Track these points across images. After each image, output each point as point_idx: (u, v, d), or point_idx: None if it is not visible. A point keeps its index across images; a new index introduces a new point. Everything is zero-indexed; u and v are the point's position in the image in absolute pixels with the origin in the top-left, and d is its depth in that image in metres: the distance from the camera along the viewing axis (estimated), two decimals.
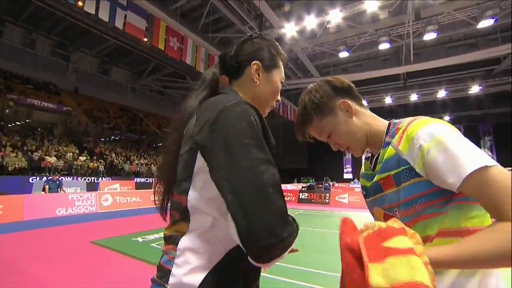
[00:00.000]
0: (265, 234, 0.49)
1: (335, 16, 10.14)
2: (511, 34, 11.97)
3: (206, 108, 0.63)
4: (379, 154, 0.70)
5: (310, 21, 10.45)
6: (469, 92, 17.02)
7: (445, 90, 17.12)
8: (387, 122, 0.73)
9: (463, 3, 9.65)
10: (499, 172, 0.50)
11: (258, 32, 0.76)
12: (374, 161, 0.74)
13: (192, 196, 0.60)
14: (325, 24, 10.75)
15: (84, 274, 3.26)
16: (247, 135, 0.55)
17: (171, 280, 0.58)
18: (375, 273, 0.41)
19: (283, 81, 0.81)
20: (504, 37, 12.18)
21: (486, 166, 0.50)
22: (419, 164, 0.57)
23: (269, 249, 0.50)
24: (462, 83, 16.58)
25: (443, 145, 0.54)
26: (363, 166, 0.84)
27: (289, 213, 0.56)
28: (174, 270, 0.59)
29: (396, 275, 0.40)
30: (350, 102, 0.74)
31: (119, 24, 8.84)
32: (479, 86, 16.28)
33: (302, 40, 12.21)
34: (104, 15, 8.47)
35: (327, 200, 11.77)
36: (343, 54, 12.43)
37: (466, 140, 0.55)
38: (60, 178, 8.04)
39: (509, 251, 0.44)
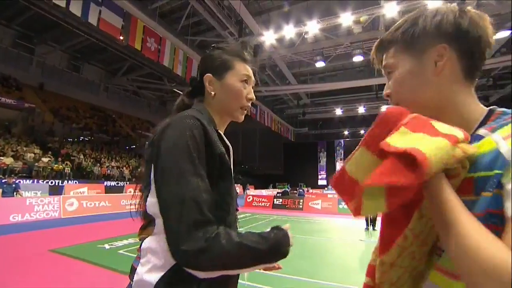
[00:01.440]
0: (180, 241, 0.56)
1: (313, 27, 10.55)
2: None
3: (160, 124, 0.70)
4: None
5: (289, 31, 10.76)
6: None
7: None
8: (486, 108, 0.49)
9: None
10: None
11: (213, 45, 0.82)
12: None
13: (149, 202, 0.66)
14: (303, 34, 11.13)
15: (41, 284, 3.00)
16: (180, 148, 0.62)
17: (135, 277, 0.65)
18: (399, 135, 0.38)
19: (249, 76, 0.80)
20: None
21: None
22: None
23: (184, 255, 0.56)
24: None
25: None
26: None
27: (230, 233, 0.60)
28: (138, 268, 0.66)
29: (416, 143, 0.36)
30: (450, 61, 0.49)
31: (92, 20, 8.44)
32: None
33: (281, 48, 12.51)
34: (76, 10, 8.04)
35: (301, 206, 12.00)
36: (320, 64, 12.91)
37: None
38: (16, 181, 7.37)
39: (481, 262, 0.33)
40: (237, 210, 0.80)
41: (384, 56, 0.57)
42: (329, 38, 11.94)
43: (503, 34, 10.04)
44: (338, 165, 28.01)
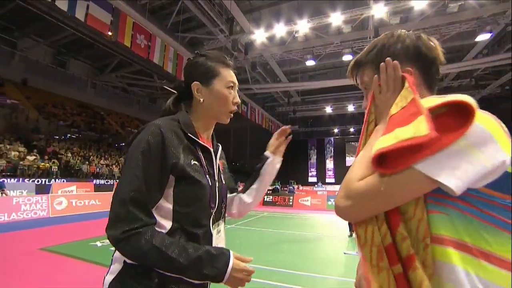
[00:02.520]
0: (107, 226, 0.68)
1: (303, 26, 10.66)
2: (450, 56, 13.70)
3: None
4: None
5: (280, 29, 10.84)
6: None
7: None
8: None
9: (411, 26, 10.82)
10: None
11: (196, 52, 0.89)
12: None
13: None
14: (294, 32, 11.23)
15: (30, 282, 3.00)
16: (134, 152, 0.72)
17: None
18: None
19: (234, 82, 0.86)
20: (446, 58, 13.92)
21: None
22: None
23: (109, 238, 0.68)
24: None
25: None
26: None
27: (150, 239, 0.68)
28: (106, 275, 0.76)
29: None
30: (415, 77, 0.59)
31: (79, 15, 8.24)
32: None
33: (272, 46, 12.58)
34: (62, 4, 7.84)
35: (291, 203, 12.20)
36: (310, 63, 13.05)
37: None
38: (1, 180, 7.19)
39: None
40: (223, 204, 0.87)
41: (358, 75, 0.68)
42: (319, 37, 12.09)
43: (484, 36, 10.46)
44: (328, 163, 28.49)
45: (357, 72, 0.68)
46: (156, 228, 0.71)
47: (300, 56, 13.51)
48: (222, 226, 0.90)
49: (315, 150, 29.15)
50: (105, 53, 15.77)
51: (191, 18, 11.96)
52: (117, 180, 0.73)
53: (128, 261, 0.70)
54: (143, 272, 0.69)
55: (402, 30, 0.63)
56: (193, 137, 0.81)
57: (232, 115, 0.89)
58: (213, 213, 0.81)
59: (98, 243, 4.75)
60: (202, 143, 0.83)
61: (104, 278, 0.74)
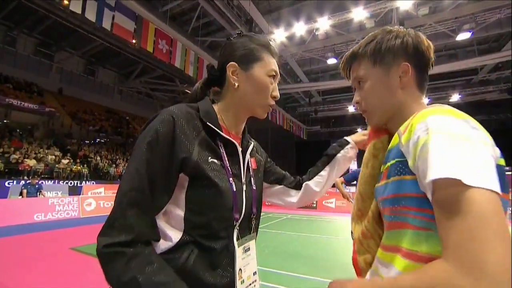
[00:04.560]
0: (101, 231, 0.56)
1: (324, 24, 10.37)
2: (487, 47, 12.64)
3: None
4: None
5: (299, 28, 10.63)
6: (450, 100, 17.74)
7: (428, 98, 17.76)
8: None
9: (443, 16, 10.11)
10: (482, 198, 0.36)
11: (237, 32, 0.75)
12: None
13: None
14: (314, 31, 10.96)
15: (62, 281, 3.11)
16: (142, 142, 0.59)
17: None
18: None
19: (276, 71, 0.74)
20: (480, 49, 12.85)
21: (462, 182, 0.37)
22: (413, 158, 0.46)
23: (97, 247, 0.54)
24: (443, 92, 17.28)
25: (430, 141, 0.43)
26: None
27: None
28: None
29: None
30: (411, 71, 0.60)
31: (106, 25, 8.68)
32: (459, 95, 17.03)
33: (291, 46, 12.39)
34: (91, 15, 8.29)
35: (314, 205, 11.86)
36: (331, 61, 12.68)
37: (470, 145, 0.41)
38: (39, 182, 7.70)
39: None
40: (253, 214, 0.72)
41: (353, 67, 0.67)
42: (340, 34, 11.70)
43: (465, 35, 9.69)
44: (352, 163, 27.49)
45: (352, 64, 0.67)
46: (160, 243, 0.59)
47: (321, 55, 13.18)
48: (252, 243, 0.72)
49: None
50: (130, 60, 16.56)
51: (210, 22, 12.16)
52: None
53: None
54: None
55: (400, 27, 0.63)
56: (213, 127, 0.65)
57: (269, 109, 0.74)
58: (237, 225, 0.66)
59: None
60: (225, 136, 0.67)
61: None
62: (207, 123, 0.65)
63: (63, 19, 12.01)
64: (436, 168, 0.39)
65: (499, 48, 12.23)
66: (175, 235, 0.61)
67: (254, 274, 0.71)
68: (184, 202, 0.62)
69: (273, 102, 0.73)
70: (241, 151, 0.72)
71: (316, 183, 0.89)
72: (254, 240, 0.73)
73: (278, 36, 11.18)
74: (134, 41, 9.69)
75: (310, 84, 16.95)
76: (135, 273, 0.51)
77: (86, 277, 3.28)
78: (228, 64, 0.70)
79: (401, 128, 0.53)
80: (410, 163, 0.47)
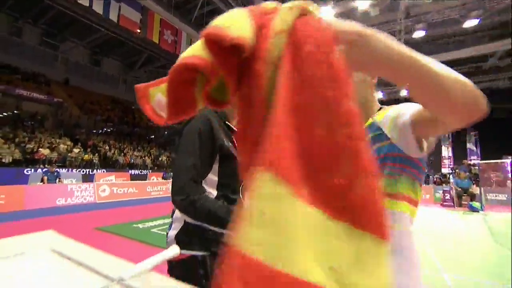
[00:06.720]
0: (173, 194, 0.91)
1: (327, 12, 10.38)
2: (498, 32, 12.40)
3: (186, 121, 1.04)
4: None
5: None
6: None
7: None
8: (379, 106, 0.85)
9: (450, 3, 10.04)
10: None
11: None
12: None
13: None
14: None
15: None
16: (190, 135, 0.94)
17: (168, 239, 1.02)
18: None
19: None
20: (491, 35, 12.57)
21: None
22: (389, 126, 0.68)
23: (175, 203, 0.91)
24: None
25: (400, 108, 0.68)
26: None
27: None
28: (169, 232, 1.02)
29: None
30: None
31: (113, 16, 8.83)
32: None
33: None
34: (98, 8, 8.45)
35: None
36: None
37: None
38: (57, 170, 8.15)
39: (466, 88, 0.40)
40: None
41: None
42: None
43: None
44: None
45: None
46: (207, 195, 0.95)
47: None
48: None
49: None
50: (134, 50, 16.64)
51: (214, 10, 12.15)
52: (173, 163, 1.05)
53: (188, 219, 0.94)
54: (198, 226, 0.92)
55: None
56: (229, 124, 1.04)
57: None
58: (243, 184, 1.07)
59: (140, 225, 5.31)
60: (235, 129, 1.01)
61: (167, 233, 1.01)
62: (226, 122, 1.05)
63: (67, 8, 12.08)
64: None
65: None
66: (214, 192, 0.99)
67: None
68: (217, 171, 0.99)
69: None
70: None
71: None
72: None
73: None
74: (138, 30, 9.80)
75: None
76: (209, 207, 0.89)
77: (113, 252, 3.70)
78: None
79: (378, 116, 0.77)
80: (387, 130, 0.69)
